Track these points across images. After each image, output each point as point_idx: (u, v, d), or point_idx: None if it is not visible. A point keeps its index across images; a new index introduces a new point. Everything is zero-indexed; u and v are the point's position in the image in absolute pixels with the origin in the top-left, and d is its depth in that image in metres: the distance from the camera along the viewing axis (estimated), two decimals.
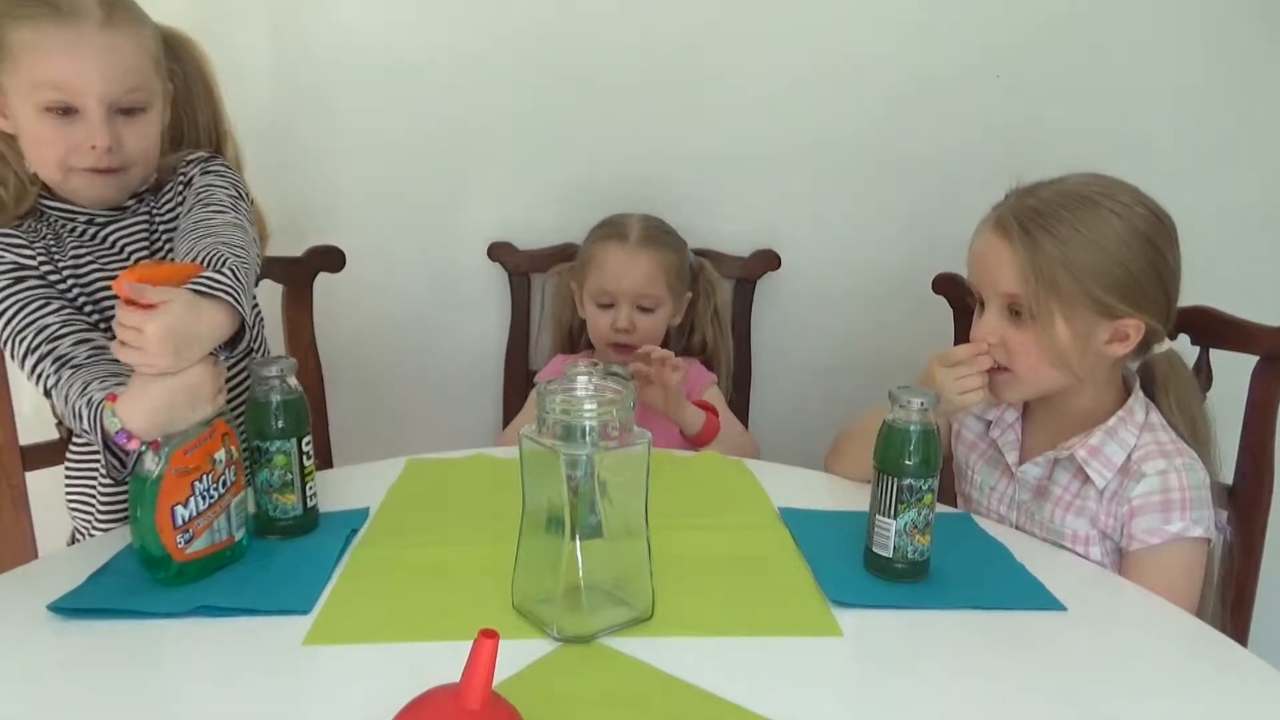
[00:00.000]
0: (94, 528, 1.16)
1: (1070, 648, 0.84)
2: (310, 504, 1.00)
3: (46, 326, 1.00)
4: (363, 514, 1.05)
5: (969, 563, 0.97)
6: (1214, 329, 1.19)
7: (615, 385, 0.81)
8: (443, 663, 0.64)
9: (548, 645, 0.80)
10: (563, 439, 0.78)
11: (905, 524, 0.90)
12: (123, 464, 0.91)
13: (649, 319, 1.50)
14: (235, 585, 0.89)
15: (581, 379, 0.81)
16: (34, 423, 1.23)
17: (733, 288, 1.69)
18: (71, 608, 0.84)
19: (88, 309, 1.06)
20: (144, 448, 0.87)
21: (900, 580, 0.91)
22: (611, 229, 1.53)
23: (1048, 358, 1.06)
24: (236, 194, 1.11)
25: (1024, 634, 0.86)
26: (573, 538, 0.79)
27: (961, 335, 1.41)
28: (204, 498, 0.89)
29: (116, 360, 0.97)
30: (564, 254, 1.67)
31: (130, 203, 1.12)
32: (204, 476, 0.89)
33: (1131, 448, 1.06)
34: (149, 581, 0.88)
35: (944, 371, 1.09)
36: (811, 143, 1.67)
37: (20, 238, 1.05)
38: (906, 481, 0.89)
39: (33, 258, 1.04)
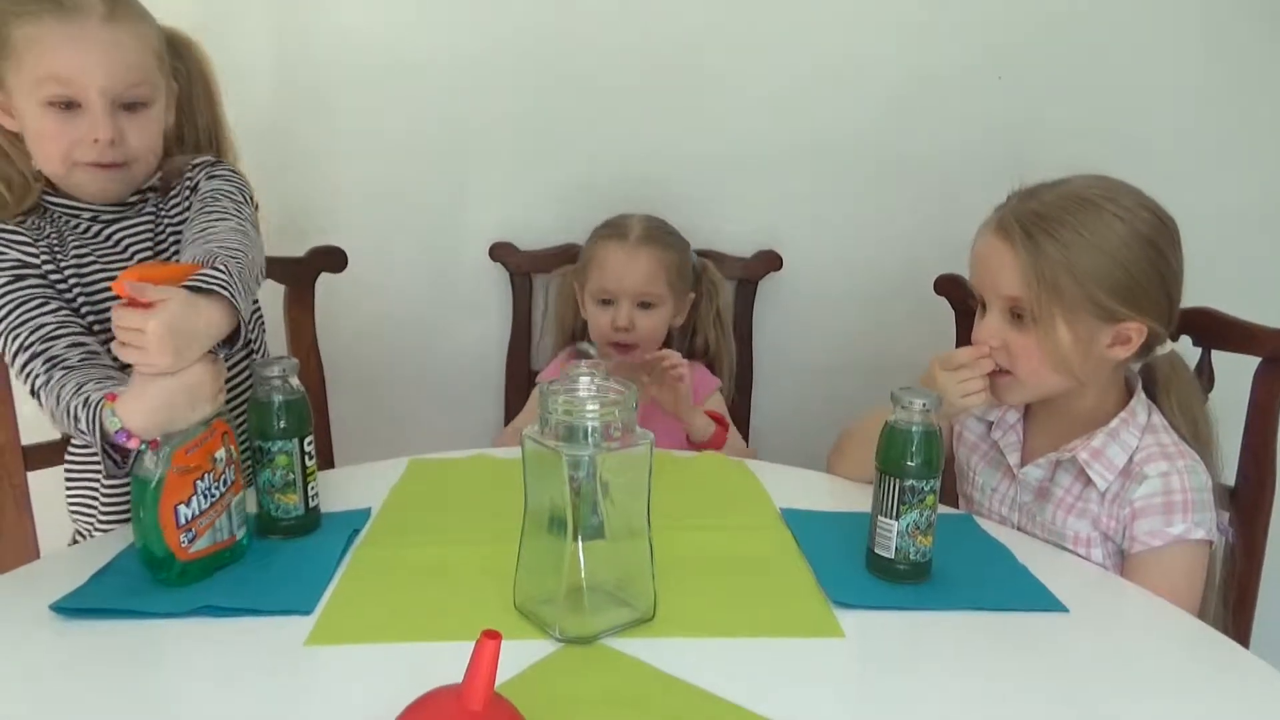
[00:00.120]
0: (95, 529, 1.16)
1: (1072, 649, 0.84)
2: (312, 504, 1.00)
3: (42, 326, 1.00)
4: (364, 514, 1.05)
5: (971, 564, 0.97)
6: (1216, 330, 1.19)
7: (618, 386, 0.81)
8: (445, 663, 0.64)
9: (550, 646, 0.80)
10: (565, 440, 0.78)
11: (907, 525, 0.90)
12: (118, 463, 0.91)
13: (649, 318, 1.50)
14: (237, 585, 0.89)
15: (584, 379, 0.81)
16: (36, 423, 1.22)
17: (734, 288, 1.69)
18: (73, 608, 0.84)
19: (84, 309, 1.06)
20: (143, 447, 0.87)
21: (902, 581, 0.91)
22: (613, 229, 1.53)
23: (1049, 361, 1.06)
24: (241, 198, 1.11)
25: (1026, 635, 0.86)
26: (575, 538, 0.79)
27: (963, 336, 1.41)
28: (206, 496, 0.89)
29: (109, 364, 0.97)
30: (565, 254, 1.67)
31: (135, 200, 1.12)
32: (205, 475, 0.89)
33: (1133, 450, 1.06)
34: (151, 581, 0.88)
35: (945, 374, 1.09)
36: (812, 143, 1.67)
37: (24, 235, 1.05)
38: (909, 482, 0.89)
39: (35, 255, 1.05)
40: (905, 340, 1.65)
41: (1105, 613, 0.92)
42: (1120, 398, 1.12)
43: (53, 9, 0.98)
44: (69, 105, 1.01)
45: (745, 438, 1.67)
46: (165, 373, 0.86)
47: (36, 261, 1.04)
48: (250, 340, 1.16)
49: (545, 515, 0.82)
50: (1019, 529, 1.13)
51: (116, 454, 0.90)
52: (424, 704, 0.62)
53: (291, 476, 0.98)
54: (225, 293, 0.90)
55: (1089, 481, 1.07)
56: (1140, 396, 1.11)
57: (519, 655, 0.77)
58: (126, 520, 1.12)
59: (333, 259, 1.44)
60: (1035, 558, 0.99)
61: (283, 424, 0.97)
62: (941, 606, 0.88)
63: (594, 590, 0.82)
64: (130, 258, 1.11)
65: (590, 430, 0.77)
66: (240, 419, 1.11)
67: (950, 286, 1.43)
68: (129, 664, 0.79)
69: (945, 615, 0.88)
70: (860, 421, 1.18)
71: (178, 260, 1.06)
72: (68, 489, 1.20)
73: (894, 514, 0.90)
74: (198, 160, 1.15)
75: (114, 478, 1.00)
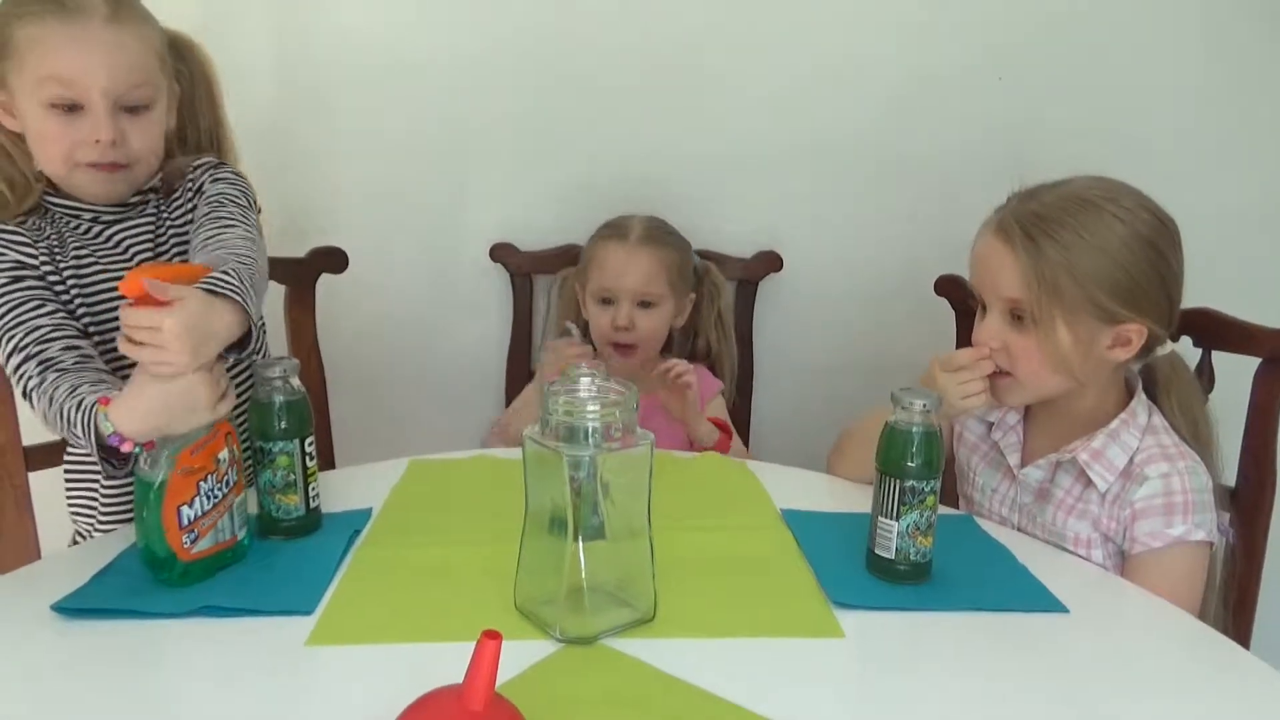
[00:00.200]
0: (95, 529, 1.17)
1: (1072, 649, 0.84)
2: (313, 504, 1.00)
3: (38, 328, 1.00)
4: (365, 514, 1.05)
5: (971, 564, 0.97)
6: (1216, 331, 1.19)
7: (618, 386, 0.81)
8: (445, 663, 0.64)
9: (550, 646, 0.80)
10: (566, 440, 0.78)
11: (907, 525, 0.90)
12: (115, 465, 0.91)
13: (650, 318, 1.50)
14: (238, 586, 0.89)
15: (584, 380, 0.81)
16: (36, 423, 1.23)
17: (734, 289, 1.69)
18: (74, 608, 0.84)
19: (80, 312, 1.06)
20: (138, 449, 0.87)
21: (902, 582, 0.91)
22: (613, 229, 1.53)
23: (1050, 363, 1.06)
24: (246, 203, 1.11)
25: (1026, 635, 0.86)
26: (575, 539, 0.79)
27: (963, 337, 1.41)
28: (209, 497, 0.89)
29: (103, 368, 0.97)
30: (565, 255, 1.67)
31: (136, 201, 1.12)
32: (208, 476, 0.89)
33: (1134, 450, 1.06)
34: (152, 582, 0.88)
35: (946, 375, 1.09)
36: (812, 143, 1.67)
37: (24, 235, 1.05)
38: (909, 483, 0.89)
39: (34, 256, 1.05)
40: (905, 341, 1.65)
41: (1105, 613, 0.92)
42: (1120, 399, 1.12)
43: (55, 10, 0.98)
44: (71, 107, 1.01)
45: (745, 439, 1.67)
46: (181, 372, 0.85)
47: (35, 263, 1.04)
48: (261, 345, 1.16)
49: (546, 516, 0.82)
50: (1019, 530, 1.13)
51: (112, 457, 0.90)
52: (424, 704, 0.62)
53: (292, 477, 0.98)
54: (238, 298, 0.90)
55: (1089, 482, 1.07)
56: (1140, 397, 1.11)
57: (519, 656, 0.77)
58: (126, 521, 1.12)
59: (333, 259, 1.45)
60: (1035, 558, 0.99)
61: (284, 424, 0.97)
62: (942, 607, 0.88)
63: (594, 591, 0.82)
64: (131, 259, 1.11)
65: (591, 431, 0.78)
66: (241, 420, 1.11)
67: (950, 287, 1.43)
68: (129, 664, 0.79)
69: (945, 616, 0.88)
70: (860, 422, 1.18)
71: (181, 262, 1.06)
72: (68, 490, 1.20)
73: (894, 514, 0.90)
74: (200, 161, 1.15)
75: (113, 479, 1.00)
